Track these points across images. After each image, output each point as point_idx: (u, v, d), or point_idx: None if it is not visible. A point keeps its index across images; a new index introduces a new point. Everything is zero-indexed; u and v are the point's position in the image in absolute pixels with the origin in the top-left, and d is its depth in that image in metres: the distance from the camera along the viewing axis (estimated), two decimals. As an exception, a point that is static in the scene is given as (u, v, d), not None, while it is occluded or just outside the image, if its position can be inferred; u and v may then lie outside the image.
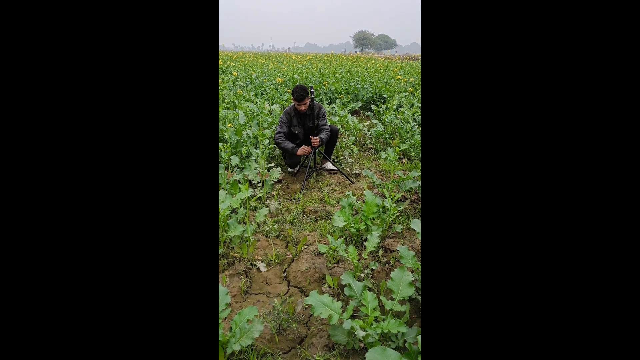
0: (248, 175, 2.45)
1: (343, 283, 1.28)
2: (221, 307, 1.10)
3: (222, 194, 1.83)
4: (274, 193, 2.53)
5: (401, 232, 1.98)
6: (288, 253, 1.83)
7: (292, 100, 2.77)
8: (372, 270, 1.64)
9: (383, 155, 2.65)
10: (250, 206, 2.26)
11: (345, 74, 6.87)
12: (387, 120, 3.85)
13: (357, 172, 2.98)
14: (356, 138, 3.70)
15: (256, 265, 1.71)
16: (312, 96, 2.63)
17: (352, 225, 1.79)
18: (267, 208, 1.88)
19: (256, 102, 4.11)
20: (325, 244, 1.84)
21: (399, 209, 1.97)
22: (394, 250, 1.80)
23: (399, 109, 4.37)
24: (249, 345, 1.10)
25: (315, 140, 2.66)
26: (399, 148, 2.68)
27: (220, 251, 1.74)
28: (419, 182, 2.28)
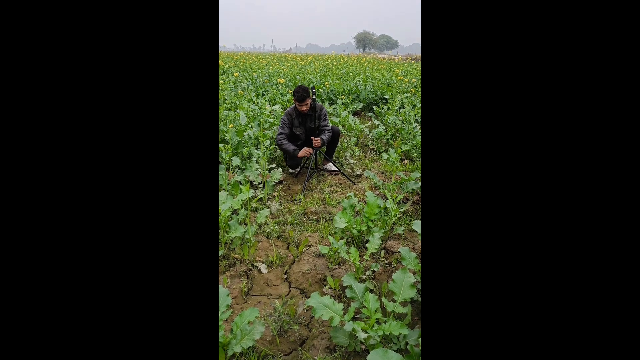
0: (249, 176, 2.44)
1: (344, 285, 1.27)
2: (222, 308, 1.10)
3: (223, 195, 1.82)
4: (275, 194, 2.53)
5: (403, 234, 1.98)
6: (289, 254, 1.82)
7: (293, 101, 2.77)
8: (373, 271, 1.63)
9: (385, 156, 2.65)
10: (252, 207, 2.26)
11: (347, 75, 6.86)
12: (388, 121, 3.84)
13: (358, 173, 2.97)
14: (358, 139, 3.69)
15: (257, 267, 1.71)
16: (314, 97, 2.63)
17: (354, 226, 1.79)
18: (268, 209, 1.88)
19: (257, 102, 4.11)
20: (326, 245, 1.84)
21: (400, 210, 1.97)
22: (395, 252, 1.80)
23: (401, 109, 4.36)
24: (249, 347, 1.10)
25: (317, 141, 2.66)
26: (401, 149, 2.68)
27: (221, 252, 1.74)
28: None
